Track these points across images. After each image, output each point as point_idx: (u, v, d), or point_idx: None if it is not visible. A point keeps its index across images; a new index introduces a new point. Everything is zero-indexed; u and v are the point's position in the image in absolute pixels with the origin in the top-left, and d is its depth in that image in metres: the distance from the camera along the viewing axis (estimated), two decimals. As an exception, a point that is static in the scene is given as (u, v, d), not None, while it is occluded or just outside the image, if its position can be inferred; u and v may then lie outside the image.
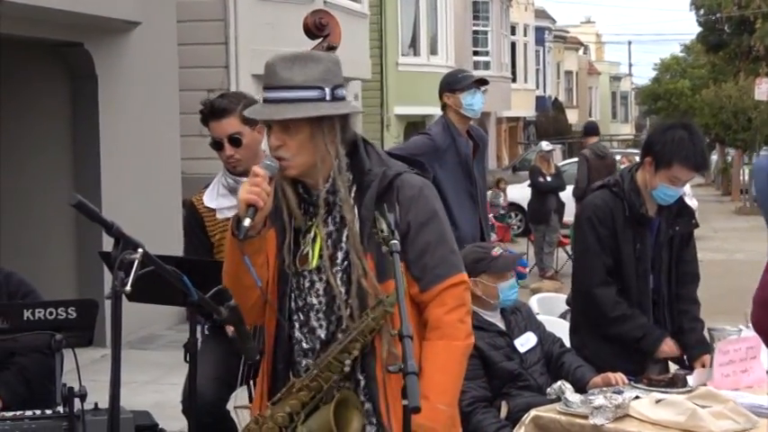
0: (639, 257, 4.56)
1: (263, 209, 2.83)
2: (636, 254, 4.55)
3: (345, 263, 2.95)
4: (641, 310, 4.57)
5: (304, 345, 3.00)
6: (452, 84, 5.94)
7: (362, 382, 2.96)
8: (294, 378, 2.96)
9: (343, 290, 2.94)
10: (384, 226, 2.82)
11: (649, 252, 4.59)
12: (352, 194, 2.96)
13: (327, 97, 2.90)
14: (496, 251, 4.59)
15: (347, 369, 2.92)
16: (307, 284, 3.00)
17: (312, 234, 2.97)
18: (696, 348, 4.56)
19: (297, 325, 3.01)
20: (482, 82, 6.05)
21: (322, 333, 2.98)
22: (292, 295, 3.01)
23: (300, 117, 2.86)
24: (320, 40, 4.29)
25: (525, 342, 4.61)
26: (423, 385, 2.78)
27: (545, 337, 4.71)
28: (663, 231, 4.61)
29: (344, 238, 2.95)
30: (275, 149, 2.90)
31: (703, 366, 4.41)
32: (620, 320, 4.53)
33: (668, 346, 4.48)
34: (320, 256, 2.96)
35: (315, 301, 2.99)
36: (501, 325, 4.58)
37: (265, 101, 2.92)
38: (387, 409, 2.89)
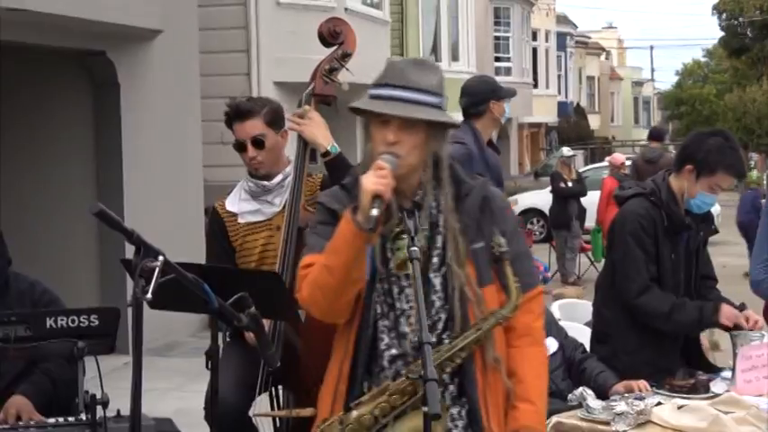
0: (674, 268, 4.49)
1: (387, 201, 2.84)
2: (671, 264, 4.48)
3: (443, 268, 2.98)
4: None
5: (394, 351, 3.00)
6: (498, 91, 5.89)
7: (451, 387, 2.99)
8: (389, 381, 2.95)
9: (442, 294, 2.98)
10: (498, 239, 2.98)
11: (683, 261, 4.53)
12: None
13: (444, 106, 2.97)
14: None
15: (445, 377, 2.96)
16: (396, 290, 3.00)
17: (404, 240, 2.95)
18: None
19: (384, 330, 3.00)
20: None
21: (414, 338, 2.96)
22: (378, 300, 3.01)
23: (431, 119, 2.91)
24: (335, 47, 4.28)
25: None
26: (525, 390, 3.02)
27: (566, 342, 4.69)
28: (693, 238, 4.56)
29: (439, 245, 2.98)
30: (390, 145, 2.90)
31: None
32: (675, 309, 4.39)
33: (728, 310, 4.31)
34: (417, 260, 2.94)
35: (405, 306, 3.00)
36: (522, 331, 4.57)
37: (386, 97, 2.92)
38: (487, 413, 2.97)
